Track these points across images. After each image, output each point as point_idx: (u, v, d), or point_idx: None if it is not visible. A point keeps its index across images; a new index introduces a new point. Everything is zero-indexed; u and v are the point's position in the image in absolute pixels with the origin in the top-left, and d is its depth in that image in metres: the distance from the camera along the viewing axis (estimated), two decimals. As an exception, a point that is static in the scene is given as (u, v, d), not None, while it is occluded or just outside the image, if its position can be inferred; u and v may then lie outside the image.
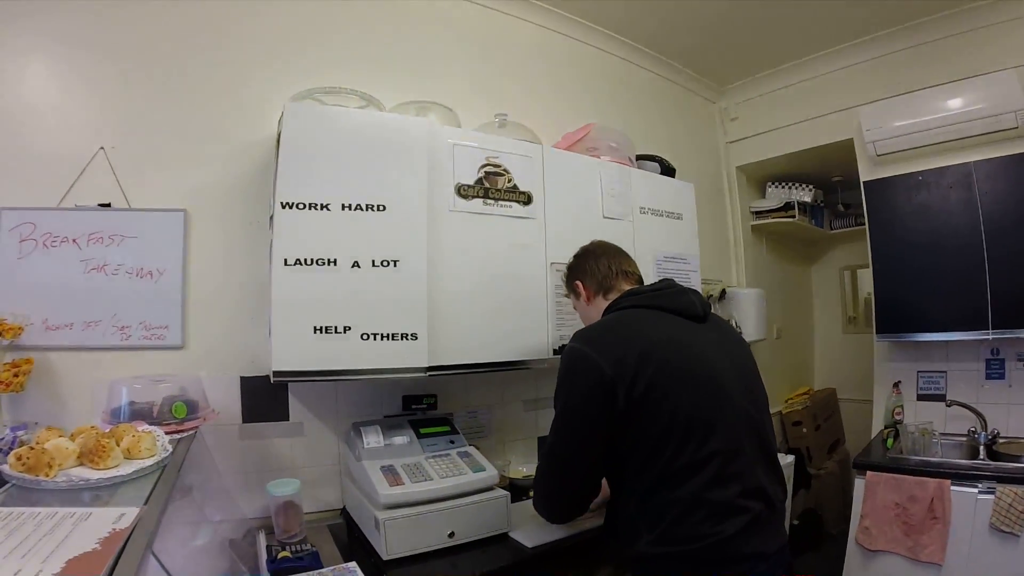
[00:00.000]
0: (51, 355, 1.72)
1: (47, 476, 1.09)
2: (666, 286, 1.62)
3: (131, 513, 0.97)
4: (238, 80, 2.06)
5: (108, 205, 1.81)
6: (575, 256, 1.84)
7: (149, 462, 1.25)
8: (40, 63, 1.79)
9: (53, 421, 1.61)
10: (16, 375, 1.60)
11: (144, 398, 1.65)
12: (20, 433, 1.55)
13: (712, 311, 1.66)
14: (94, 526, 0.93)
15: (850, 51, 3.52)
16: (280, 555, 1.64)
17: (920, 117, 3.16)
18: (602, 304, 1.67)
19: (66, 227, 1.76)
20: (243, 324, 1.99)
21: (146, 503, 1.06)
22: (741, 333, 2.44)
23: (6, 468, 1.10)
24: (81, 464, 1.18)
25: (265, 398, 2.00)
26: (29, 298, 1.71)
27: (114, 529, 0.91)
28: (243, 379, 1.98)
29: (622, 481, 1.47)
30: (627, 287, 1.68)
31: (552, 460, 1.55)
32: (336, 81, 2.06)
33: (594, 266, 1.75)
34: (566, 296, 1.94)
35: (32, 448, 1.12)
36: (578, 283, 1.78)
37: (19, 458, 1.09)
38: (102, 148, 1.81)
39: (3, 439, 1.52)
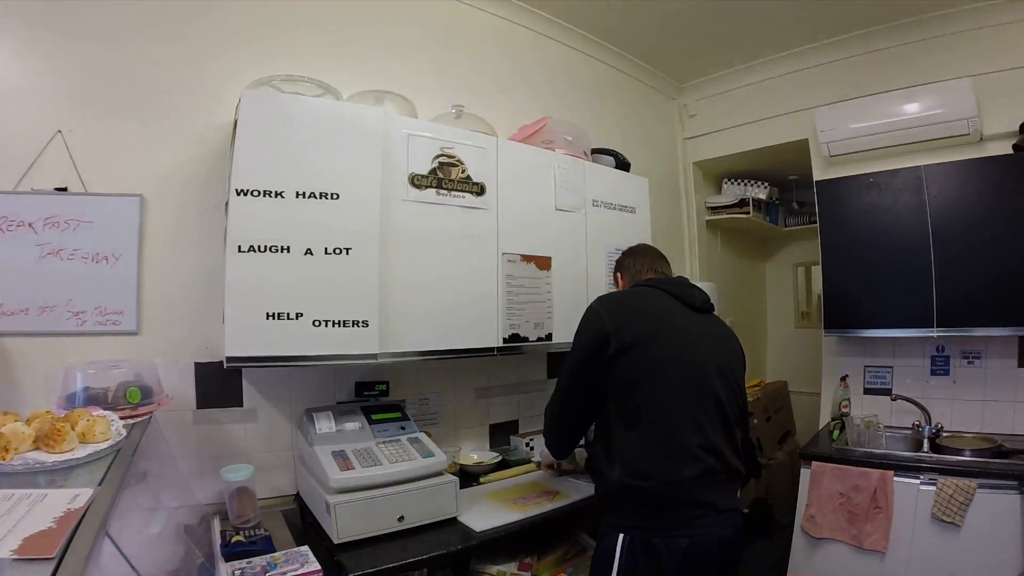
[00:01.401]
0: (5, 340, 1.71)
1: (3, 460, 1.12)
2: (677, 279, 1.97)
3: (85, 494, 1.01)
4: (196, 66, 2.03)
5: (65, 189, 1.79)
6: (622, 253, 2.15)
7: (103, 446, 1.27)
8: None
9: (7, 406, 1.58)
10: None
11: (99, 383, 1.66)
12: None
13: (714, 311, 1.94)
14: (49, 507, 0.96)
15: (808, 53, 3.61)
16: (234, 539, 1.66)
17: (874, 120, 3.25)
18: None
19: (22, 211, 1.73)
20: (198, 310, 1.98)
21: (100, 484, 1.09)
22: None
23: None
24: (37, 448, 1.20)
25: (219, 384, 2.00)
26: None
27: (68, 509, 0.95)
28: (197, 365, 1.98)
29: (606, 421, 1.72)
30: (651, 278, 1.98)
31: (559, 386, 1.86)
32: (296, 69, 2.07)
33: (631, 263, 2.07)
34: (610, 284, 2.36)
35: None
36: (618, 275, 2.13)
37: None
38: (59, 131, 1.79)
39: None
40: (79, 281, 1.81)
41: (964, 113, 2.98)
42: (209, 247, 1.99)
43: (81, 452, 1.22)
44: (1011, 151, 2.89)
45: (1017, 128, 2.89)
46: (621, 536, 1.62)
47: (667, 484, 1.58)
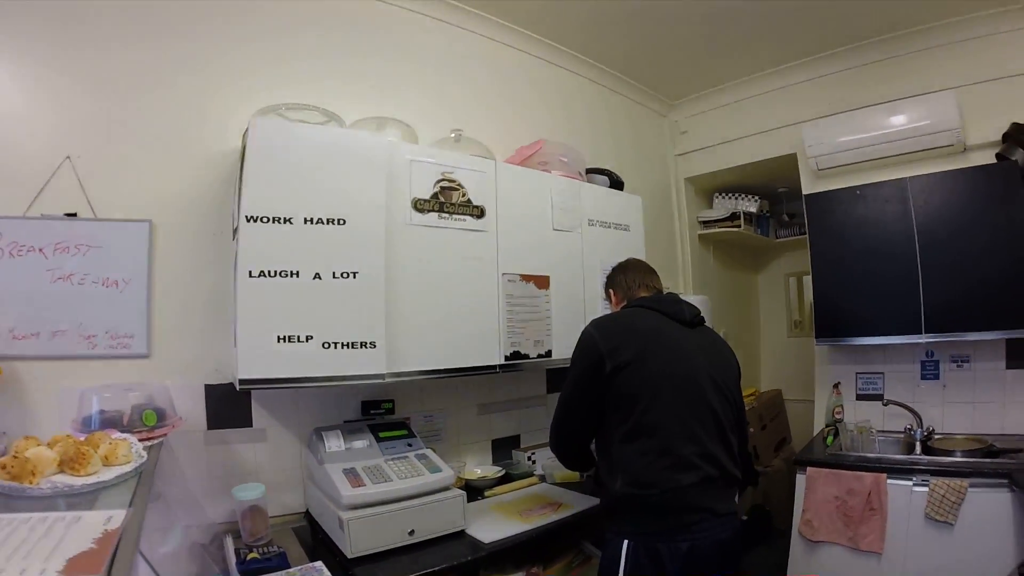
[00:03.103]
0: (17, 364, 1.71)
1: (31, 483, 1.13)
2: (667, 297, 2.04)
3: (119, 515, 1.02)
4: (203, 92, 2.07)
5: (74, 215, 1.82)
6: (613, 269, 2.22)
7: (128, 468, 1.29)
8: (3, 71, 1.77)
9: (21, 429, 1.61)
10: None
11: (114, 406, 1.67)
12: None
13: (705, 324, 2.01)
14: (86, 528, 0.97)
15: (795, 70, 3.69)
16: (249, 556, 1.69)
17: (860, 134, 3.32)
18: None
19: (32, 236, 1.75)
20: (207, 332, 2.01)
21: (130, 506, 1.10)
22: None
23: None
24: (61, 471, 1.21)
25: (228, 405, 2.04)
26: None
27: (105, 530, 0.96)
28: (207, 387, 2.01)
29: (607, 435, 1.80)
30: (644, 295, 2.06)
31: (559, 406, 1.93)
32: (299, 96, 2.12)
33: (623, 279, 2.15)
34: (603, 299, 2.39)
35: (15, 457, 1.15)
36: (611, 291, 2.19)
37: (3, 467, 1.12)
38: (68, 157, 1.81)
39: (-28, 451, 1.49)
40: (90, 305, 1.82)
41: (948, 124, 3.05)
42: (217, 271, 2.03)
43: (108, 474, 1.24)
44: (994, 160, 2.96)
45: (1000, 138, 2.97)
46: (626, 542, 1.70)
47: (667, 492, 1.66)
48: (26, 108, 1.80)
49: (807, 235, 3.50)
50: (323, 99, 2.17)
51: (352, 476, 1.81)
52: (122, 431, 1.52)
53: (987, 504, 2.53)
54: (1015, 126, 2.90)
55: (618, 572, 1.68)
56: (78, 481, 1.18)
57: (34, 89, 1.81)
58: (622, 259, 2.27)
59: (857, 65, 3.49)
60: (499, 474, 2.53)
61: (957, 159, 3.14)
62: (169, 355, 1.95)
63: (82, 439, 1.33)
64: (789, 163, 3.78)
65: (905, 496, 2.72)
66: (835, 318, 3.38)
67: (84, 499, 1.15)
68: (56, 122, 1.83)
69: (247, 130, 1.80)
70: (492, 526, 1.99)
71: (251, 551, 1.73)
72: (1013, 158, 2.85)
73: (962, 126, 3.05)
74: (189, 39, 2.06)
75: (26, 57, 1.80)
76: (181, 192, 2.02)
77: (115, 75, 1.93)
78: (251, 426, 2.09)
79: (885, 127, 3.25)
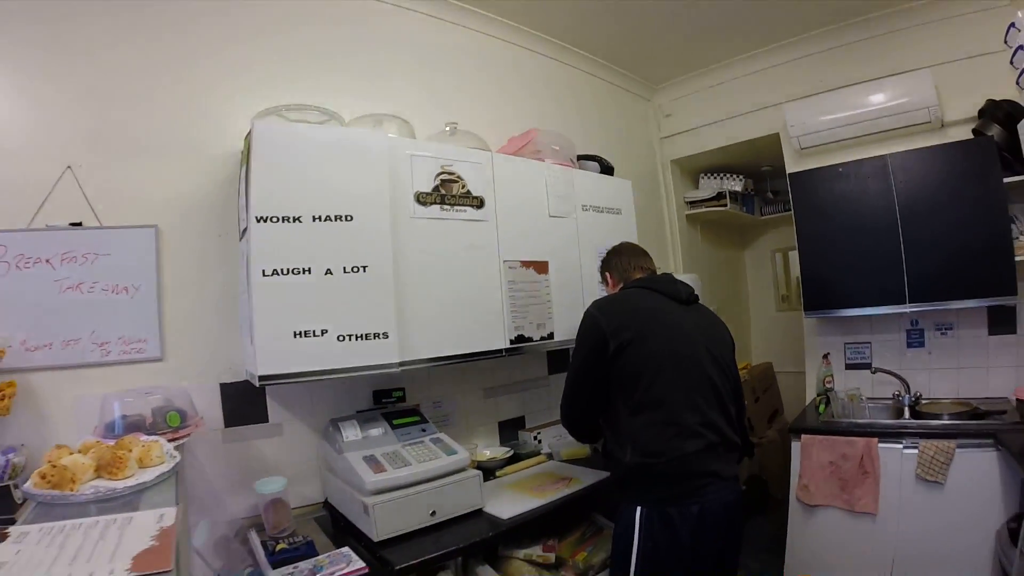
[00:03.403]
0: (31, 376, 1.72)
1: (72, 490, 1.15)
2: (663, 277, 2.13)
3: (170, 513, 1.05)
4: (198, 95, 2.09)
5: (79, 224, 1.83)
6: (608, 253, 2.31)
7: (164, 468, 1.31)
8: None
9: (38, 441, 1.65)
10: (2, 398, 1.60)
11: (135, 411, 1.70)
12: (11, 456, 1.56)
13: (699, 301, 2.12)
14: (140, 527, 1.00)
15: (776, 51, 3.75)
16: (278, 548, 1.73)
17: (841, 113, 3.40)
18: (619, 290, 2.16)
19: (38, 248, 1.76)
20: (218, 332, 2.05)
21: (177, 503, 1.13)
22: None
23: (28, 488, 1.14)
24: (98, 477, 1.23)
25: (244, 402, 2.08)
26: (6, 320, 1.70)
27: (161, 528, 0.99)
28: (222, 385, 2.04)
29: (614, 409, 1.89)
30: (639, 276, 2.14)
31: (567, 385, 2.03)
32: (294, 94, 2.16)
33: (619, 262, 2.23)
34: (599, 282, 2.48)
35: (53, 466, 1.16)
36: (607, 274, 2.28)
37: (43, 476, 1.14)
38: (69, 167, 1.82)
39: (-6, 464, 1.52)
40: (101, 312, 1.84)
41: (925, 102, 3.13)
42: (225, 272, 2.06)
43: (148, 475, 1.26)
44: (971, 135, 3.05)
45: (976, 114, 3.05)
46: (639, 509, 1.80)
47: (674, 459, 1.76)
48: (23, 119, 1.80)
49: (792, 212, 3.57)
50: (318, 97, 2.19)
51: (373, 463, 1.87)
52: (147, 434, 1.55)
53: (975, 463, 2.64)
54: (990, 102, 2.99)
55: (633, 538, 1.78)
56: (119, 484, 1.21)
57: (30, 100, 1.81)
58: (616, 242, 2.34)
59: (836, 46, 3.56)
60: (508, 455, 2.61)
61: (935, 135, 3.22)
62: (183, 357, 1.98)
63: (111, 444, 1.35)
64: (772, 142, 3.85)
65: (896, 458, 2.83)
66: (822, 291, 3.47)
67: (127, 501, 1.17)
68: (55, 132, 1.83)
69: (249, 133, 1.82)
70: (508, 503, 2.07)
71: (279, 542, 1.77)
72: (989, 133, 2.93)
73: (939, 103, 3.14)
74: (181, 43, 2.07)
75: (20, 67, 1.80)
76: (184, 196, 2.03)
77: (109, 83, 1.93)
78: (267, 421, 2.13)
79: (865, 106, 3.33)
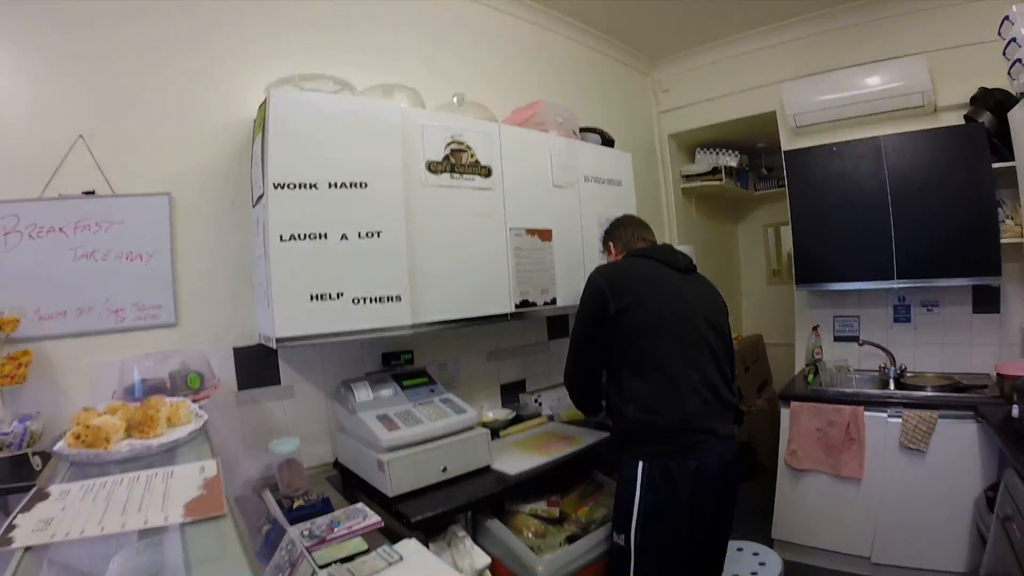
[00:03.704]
0: (46, 344, 1.73)
1: (107, 448, 1.15)
2: (663, 247, 2.22)
3: (211, 465, 1.09)
4: (210, 64, 2.09)
5: (92, 192, 1.82)
6: (611, 224, 2.41)
7: (193, 426, 1.34)
8: (8, 52, 1.75)
9: (55, 409, 1.68)
10: (19, 367, 1.62)
11: (154, 374, 1.73)
12: (28, 423, 1.58)
13: (696, 270, 2.20)
14: (185, 479, 1.02)
15: (775, 31, 3.80)
16: (296, 505, 1.77)
17: (837, 94, 3.47)
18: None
19: (51, 217, 1.75)
20: (231, 297, 2.07)
21: (213, 456, 1.17)
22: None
23: (60, 449, 1.14)
24: (129, 436, 1.24)
25: (257, 365, 2.12)
26: (20, 290, 1.70)
27: (205, 478, 1.02)
28: (235, 349, 2.08)
29: (617, 369, 1.98)
30: (641, 246, 2.24)
31: (571, 347, 2.14)
32: (305, 64, 2.16)
33: (622, 233, 2.33)
34: (601, 252, 2.56)
35: (87, 427, 1.17)
36: (610, 243, 2.36)
37: (77, 436, 1.15)
38: (81, 136, 1.81)
39: (12, 432, 1.55)
40: (115, 279, 1.85)
41: (919, 87, 3.21)
42: (237, 238, 2.09)
43: (181, 432, 1.28)
44: (963, 121, 3.13)
45: (968, 100, 3.12)
46: (641, 463, 1.90)
47: (675, 416, 1.87)
48: (35, 90, 1.78)
49: (786, 189, 3.65)
50: (329, 67, 2.19)
51: (386, 421, 1.94)
52: (168, 396, 1.55)
53: (955, 433, 2.76)
54: (982, 90, 3.06)
55: (635, 491, 1.88)
56: (155, 441, 1.22)
57: (42, 70, 1.79)
58: (616, 213, 2.42)
59: (833, 28, 3.61)
60: (511, 416, 2.68)
61: (928, 119, 3.31)
62: (196, 322, 2.00)
63: (138, 405, 1.34)
64: (768, 120, 3.91)
65: (881, 426, 2.96)
66: (813, 266, 3.56)
67: (163, 458, 1.19)
68: (66, 102, 1.82)
69: (264, 102, 1.85)
70: (514, 461, 2.15)
71: (295, 500, 1.80)
72: (980, 120, 3.01)
73: (933, 89, 3.21)
74: (193, 14, 2.06)
75: (31, 38, 1.78)
76: (197, 163, 2.03)
77: (122, 51, 1.92)
78: (279, 384, 2.17)
79: (860, 87, 3.41)
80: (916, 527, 2.88)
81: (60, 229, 1.78)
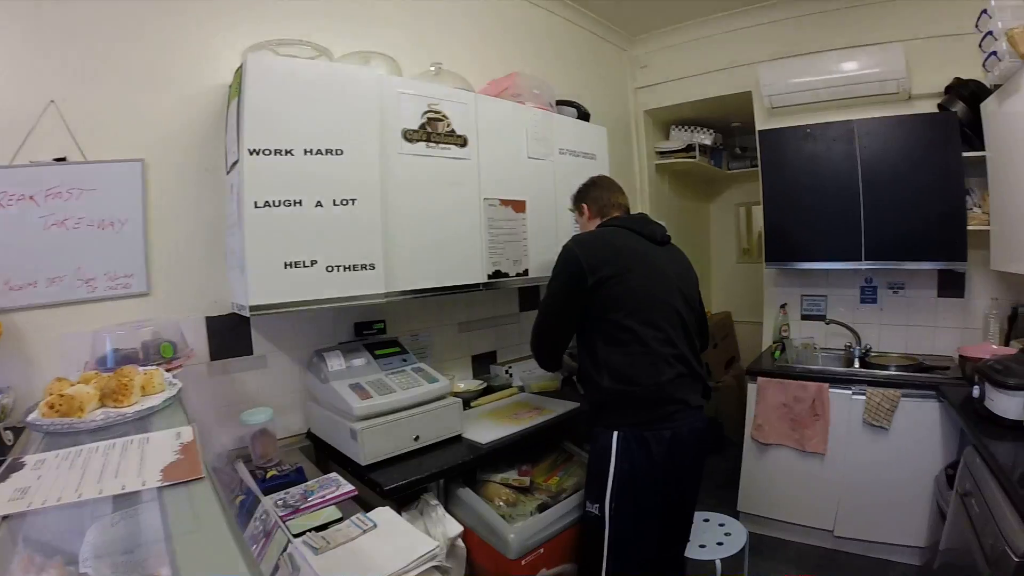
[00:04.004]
0: (16, 315, 1.69)
1: (80, 417, 1.15)
2: (639, 217, 2.24)
3: (187, 431, 1.08)
4: (184, 29, 2.02)
5: (64, 159, 1.77)
6: (584, 185, 2.36)
7: (167, 394, 1.33)
8: None
9: (25, 382, 1.64)
10: None
11: (127, 344, 1.71)
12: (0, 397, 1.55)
13: (671, 242, 2.22)
14: (160, 445, 1.02)
15: (754, 12, 3.81)
16: (268, 475, 1.80)
17: (813, 76, 3.50)
18: (595, 223, 2.25)
19: (21, 185, 1.70)
20: (204, 266, 2.04)
21: (189, 423, 1.16)
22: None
23: (34, 420, 1.14)
24: (103, 405, 1.23)
25: (229, 335, 2.10)
26: None
27: (182, 444, 1.02)
28: (208, 319, 2.06)
29: (591, 339, 2.00)
30: (616, 214, 2.24)
31: (541, 314, 2.16)
32: (283, 31, 2.12)
33: (597, 195, 2.30)
34: (571, 210, 2.47)
35: (61, 396, 1.16)
36: (584, 205, 2.32)
37: (51, 406, 1.14)
38: (52, 101, 1.75)
39: (-17, 405, 1.50)
40: (87, 248, 1.81)
41: (895, 74, 3.25)
42: (211, 205, 2.05)
43: (156, 400, 1.27)
44: (936, 110, 3.18)
45: (943, 89, 3.18)
46: (615, 433, 1.93)
47: (651, 386, 1.90)
48: (3, 54, 1.71)
49: (759, 168, 3.69)
50: (307, 34, 2.17)
51: (359, 390, 1.95)
52: (141, 366, 1.53)
53: (917, 412, 2.86)
54: (957, 80, 3.12)
55: (610, 460, 1.91)
56: (129, 410, 1.21)
57: (11, 34, 1.72)
58: (590, 183, 2.42)
59: (813, 12, 3.63)
60: (482, 387, 2.72)
61: (902, 106, 3.35)
62: (169, 291, 1.98)
63: (112, 374, 1.32)
64: (744, 100, 3.94)
65: (845, 403, 3.05)
66: (783, 244, 3.62)
67: (138, 425, 1.17)
68: (37, 66, 1.75)
69: (241, 67, 1.81)
70: (485, 430, 2.18)
71: (268, 470, 1.82)
72: (953, 109, 3.07)
73: (908, 76, 3.25)
74: None
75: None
76: (170, 130, 1.98)
77: (95, 14, 1.85)
78: (251, 354, 2.16)
79: (837, 71, 3.44)
80: (878, 502, 2.98)
81: (30, 197, 1.72)
